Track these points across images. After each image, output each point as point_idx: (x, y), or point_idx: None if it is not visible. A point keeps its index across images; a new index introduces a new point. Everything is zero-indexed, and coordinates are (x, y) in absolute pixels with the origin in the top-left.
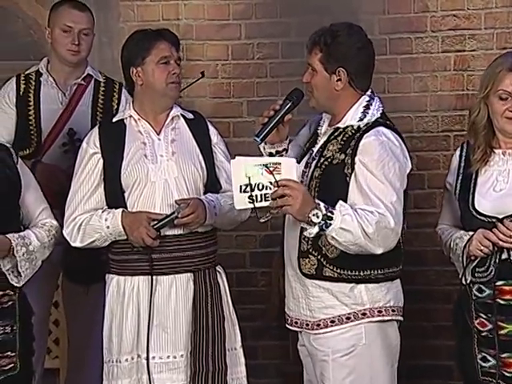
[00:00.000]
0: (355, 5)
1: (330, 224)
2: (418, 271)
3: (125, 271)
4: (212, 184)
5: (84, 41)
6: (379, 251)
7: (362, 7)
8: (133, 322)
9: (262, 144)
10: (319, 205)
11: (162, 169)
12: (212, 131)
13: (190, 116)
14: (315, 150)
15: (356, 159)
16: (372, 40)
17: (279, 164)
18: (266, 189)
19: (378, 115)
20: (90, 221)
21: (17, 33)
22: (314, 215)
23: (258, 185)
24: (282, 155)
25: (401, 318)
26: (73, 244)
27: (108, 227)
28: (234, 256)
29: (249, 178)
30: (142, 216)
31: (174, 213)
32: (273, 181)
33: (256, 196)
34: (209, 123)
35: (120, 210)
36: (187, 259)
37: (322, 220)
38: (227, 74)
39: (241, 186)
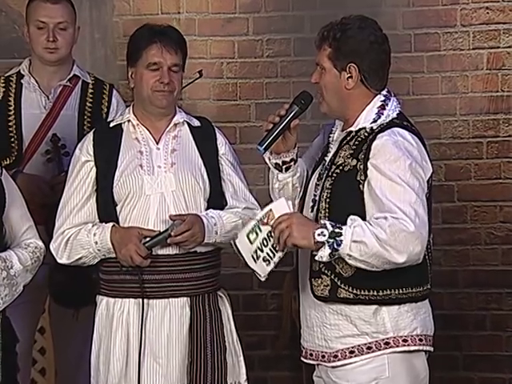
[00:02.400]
0: None
1: (341, 241)
2: (447, 294)
3: (114, 292)
4: (215, 199)
5: (61, 36)
6: (402, 259)
7: None
8: (121, 349)
9: (267, 154)
10: (325, 224)
11: (158, 181)
12: (220, 141)
13: (196, 123)
14: (328, 159)
15: (368, 163)
16: (395, 36)
17: (270, 210)
18: (270, 240)
19: (394, 116)
20: (77, 235)
21: None
22: (319, 234)
23: (263, 242)
24: (289, 166)
25: (430, 349)
26: (59, 260)
27: (96, 243)
28: (240, 276)
29: (253, 242)
30: (132, 232)
31: (167, 230)
32: (270, 229)
33: (268, 254)
34: (218, 132)
35: (110, 224)
36: (182, 282)
37: (330, 238)
38: (233, 74)
39: (253, 257)
